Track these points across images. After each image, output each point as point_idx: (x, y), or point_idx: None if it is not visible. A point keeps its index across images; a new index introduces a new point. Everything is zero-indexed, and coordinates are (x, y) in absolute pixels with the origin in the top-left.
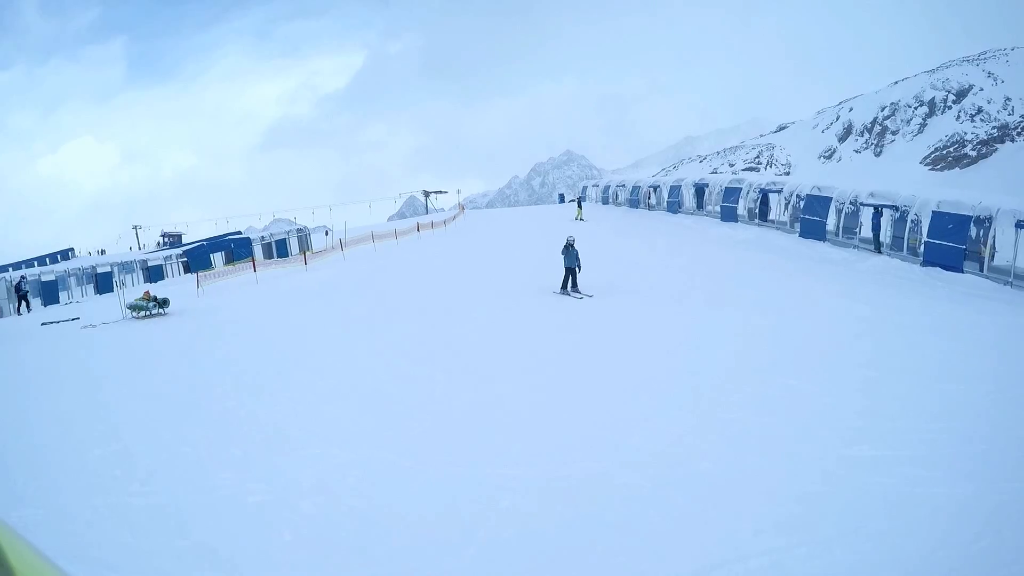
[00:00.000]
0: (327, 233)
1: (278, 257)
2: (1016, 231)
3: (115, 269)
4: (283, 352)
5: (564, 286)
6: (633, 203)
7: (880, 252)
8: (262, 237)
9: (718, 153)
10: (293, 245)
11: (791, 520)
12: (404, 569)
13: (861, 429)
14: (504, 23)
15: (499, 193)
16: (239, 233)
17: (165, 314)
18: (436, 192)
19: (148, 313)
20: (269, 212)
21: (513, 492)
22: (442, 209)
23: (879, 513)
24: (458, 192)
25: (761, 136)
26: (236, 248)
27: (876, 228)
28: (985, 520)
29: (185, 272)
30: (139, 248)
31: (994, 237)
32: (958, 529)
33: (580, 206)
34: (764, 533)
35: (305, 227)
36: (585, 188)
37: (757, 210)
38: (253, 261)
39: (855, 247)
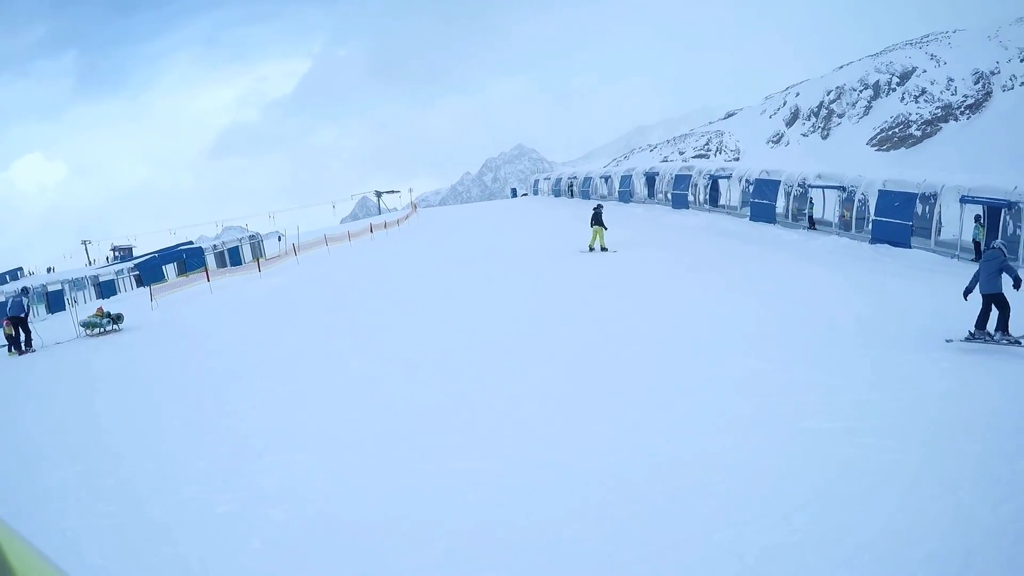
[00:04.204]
0: (280, 239)
1: (232, 265)
2: (961, 206)
3: (66, 286)
4: (241, 360)
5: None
6: (584, 194)
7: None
8: (214, 246)
9: (668, 142)
10: (246, 252)
11: (751, 493)
12: (375, 570)
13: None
14: (452, 22)
15: (451, 190)
16: (191, 243)
17: (119, 330)
18: (388, 192)
19: (102, 330)
20: (221, 220)
21: (478, 486)
22: (395, 209)
23: (838, 481)
24: (410, 191)
25: (710, 124)
26: (188, 258)
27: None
28: (940, 482)
29: (138, 286)
30: (89, 263)
31: (939, 212)
32: (915, 493)
33: (600, 221)
34: (727, 508)
35: (258, 233)
36: (537, 181)
37: (708, 196)
38: (206, 271)
39: (804, 228)
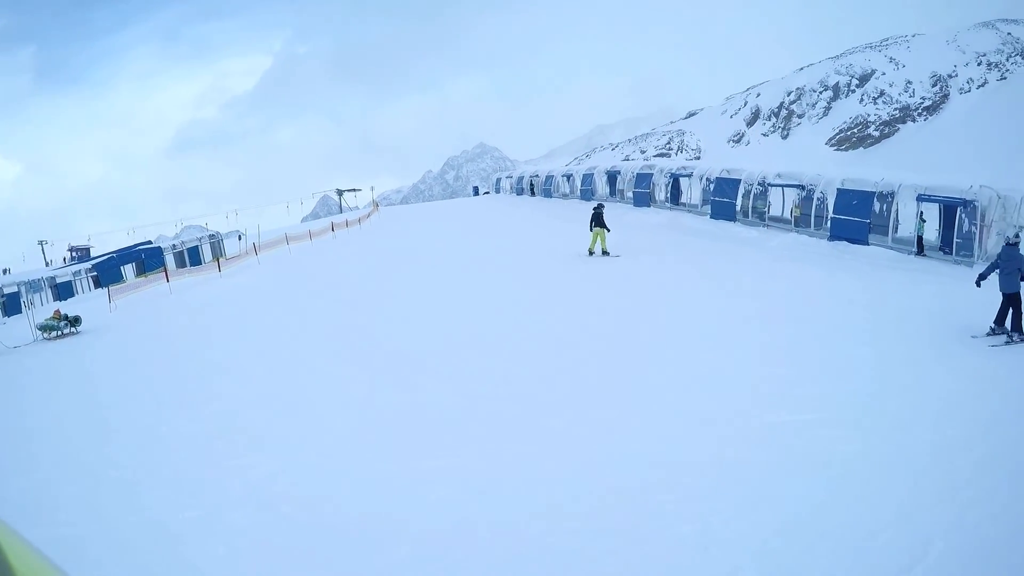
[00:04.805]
0: (240, 238)
1: (191, 265)
2: (917, 204)
3: (22, 288)
4: (202, 363)
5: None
6: (546, 192)
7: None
8: (174, 246)
9: (629, 141)
10: (206, 252)
11: (715, 486)
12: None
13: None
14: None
15: (413, 188)
16: (150, 243)
17: (78, 333)
18: (350, 190)
19: (60, 333)
20: (180, 219)
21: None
22: (356, 207)
23: (795, 470)
24: (372, 189)
25: (671, 123)
26: (147, 259)
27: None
28: (905, 471)
29: (96, 287)
30: (46, 264)
31: (896, 210)
32: (877, 482)
33: (602, 222)
34: (690, 501)
35: (218, 233)
36: (499, 180)
37: (669, 194)
38: (166, 271)
39: (765, 226)
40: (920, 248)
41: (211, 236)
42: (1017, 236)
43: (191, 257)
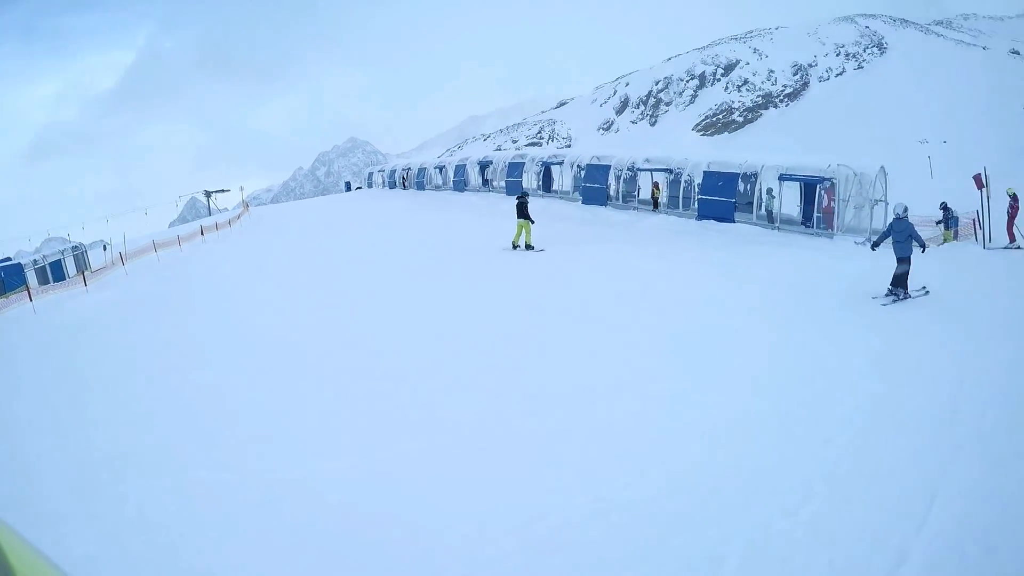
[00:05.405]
0: (105, 248)
1: (55, 281)
2: (779, 183)
3: None
4: (76, 386)
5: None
6: (419, 185)
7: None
8: (35, 261)
9: (501, 131)
10: (70, 266)
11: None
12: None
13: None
14: (286, 14)
15: (284, 187)
16: (8, 259)
17: None
18: (218, 191)
19: None
20: (41, 231)
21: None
22: (226, 209)
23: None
24: (241, 189)
25: (543, 112)
26: (7, 277)
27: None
28: (778, 422)
29: None
30: None
31: (760, 189)
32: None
33: (526, 214)
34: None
35: (81, 244)
36: (371, 174)
37: (540, 182)
38: (28, 290)
39: (635, 209)
40: (771, 220)
41: (74, 248)
42: (906, 210)
43: (54, 272)
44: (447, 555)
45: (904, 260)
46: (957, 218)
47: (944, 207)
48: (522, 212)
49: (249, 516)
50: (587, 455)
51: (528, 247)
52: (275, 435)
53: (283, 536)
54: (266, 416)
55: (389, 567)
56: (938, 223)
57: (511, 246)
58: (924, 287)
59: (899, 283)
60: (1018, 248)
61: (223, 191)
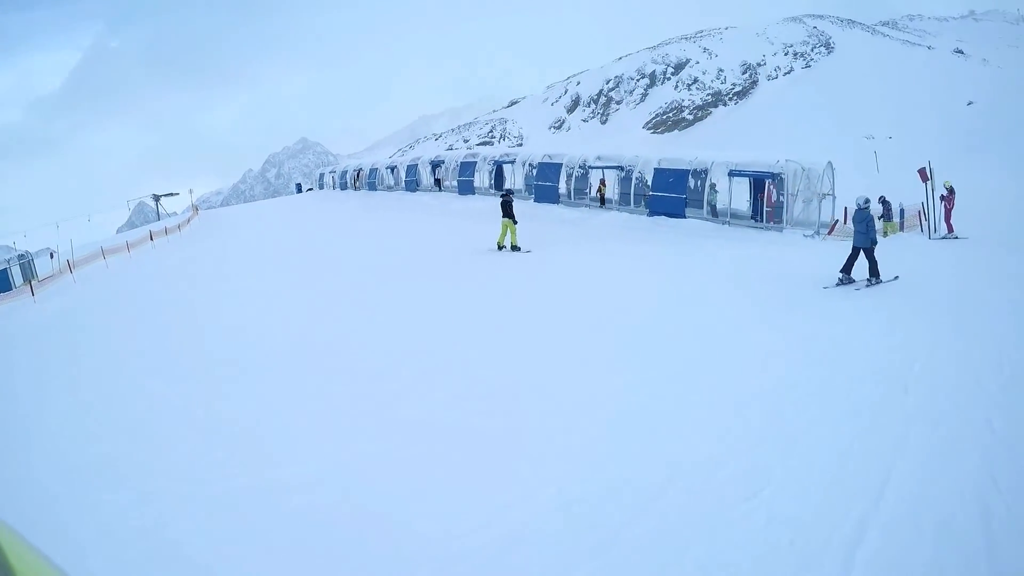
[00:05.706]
0: (52, 256)
1: (1, 292)
2: (729, 179)
3: None
4: (26, 400)
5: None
6: (371, 186)
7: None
8: None
9: (453, 130)
10: (16, 275)
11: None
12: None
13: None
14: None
15: (233, 189)
16: None
17: None
18: (167, 195)
19: None
20: None
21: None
22: (175, 213)
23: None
24: (191, 192)
25: (494, 112)
26: None
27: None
28: (734, 405)
29: None
30: None
31: (711, 185)
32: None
33: (510, 213)
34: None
35: (27, 252)
36: (322, 175)
37: (492, 181)
38: None
39: (587, 206)
40: (714, 214)
41: (20, 257)
42: (867, 202)
43: (0, 282)
44: (418, 551)
45: (865, 251)
46: (902, 211)
47: (883, 200)
48: (507, 211)
49: (211, 523)
50: (547, 451)
51: (514, 248)
52: (233, 441)
53: (248, 540)
54: (223, 423)
55: (362, 565)
56: (880, 217)
57: (496, 247)
58: (896, 275)
59: (848, 268)
60: (956, 238)
61: (172, 195)
